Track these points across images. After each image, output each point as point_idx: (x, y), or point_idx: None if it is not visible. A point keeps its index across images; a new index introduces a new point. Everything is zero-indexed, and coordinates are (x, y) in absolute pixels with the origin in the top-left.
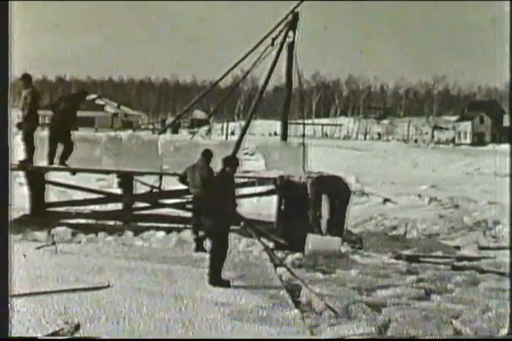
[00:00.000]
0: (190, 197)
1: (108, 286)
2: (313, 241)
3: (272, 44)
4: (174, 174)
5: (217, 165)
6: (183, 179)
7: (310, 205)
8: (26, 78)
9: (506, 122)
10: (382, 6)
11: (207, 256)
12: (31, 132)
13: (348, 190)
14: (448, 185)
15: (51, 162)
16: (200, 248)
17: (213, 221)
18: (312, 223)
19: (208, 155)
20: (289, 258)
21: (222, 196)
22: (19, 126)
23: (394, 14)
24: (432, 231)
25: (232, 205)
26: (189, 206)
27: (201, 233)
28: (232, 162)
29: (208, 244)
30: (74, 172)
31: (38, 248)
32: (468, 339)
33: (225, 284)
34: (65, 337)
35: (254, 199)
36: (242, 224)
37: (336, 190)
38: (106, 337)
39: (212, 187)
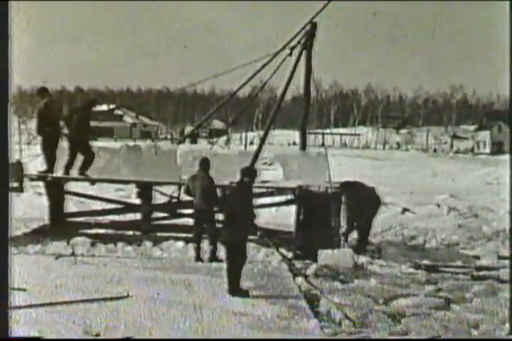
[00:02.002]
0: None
1: (127, 296)
2: (325, 256)
3: (290, 54)
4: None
5: (236, 175)
6: (188, 191)
7: (330, 215)
8: (42, 91)
9: None
10: (400, 16)
11: (224, 265)
12: (52, 142)
13: (377, 200)
14: (467, 195)
15: (67, 173)
16: (199, 258)
17: (231, 231)
18: (331, 233)
19: (206, 164)
20: (309, 268)
21: (240, 207)
22: (40, 135)
23: (412, 23)
24: (451, 240)
25: (250, 216)
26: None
27: (204, 243)
28: (250, 173)
29: (224, 253)
30: (93, 182)
31: (57, 258)
32: (468, 339)
33: (244, 294)
34: (67, 338)
35: (273, 209)
36: (259, 234)
37: (362, 199)
38: None
39: (228, 198)
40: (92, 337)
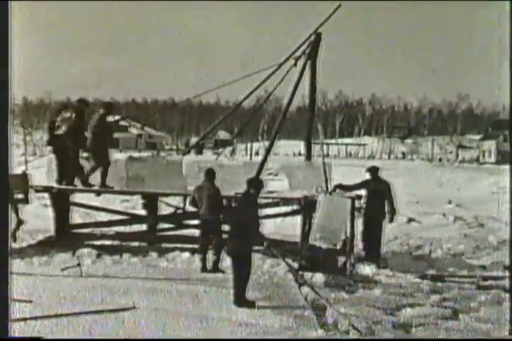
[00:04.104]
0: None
1: (133, 308)
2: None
3: (295, 64)
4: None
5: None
6: (194, 202)
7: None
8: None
9: None
10: (405, 25)
11: (230, 276)
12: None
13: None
14: (473, 204)
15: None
16: (205, 269)
17: (237, 242)
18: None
19: (211, 174)
20: (314, 279)
21: (245, 217)
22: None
23: (416, 33)
24: (457, 250)
25: (256, 227)
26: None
27: (210, 254)
28: (256, 184)
29: (231, 264)
30: (98, 193)
31: (63, 269)
32: (468, 339)
33: (250, 305)
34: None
35: (279, 219)
36: (265, 244)
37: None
38: None
39: (234, 209)
40: (92, 338)
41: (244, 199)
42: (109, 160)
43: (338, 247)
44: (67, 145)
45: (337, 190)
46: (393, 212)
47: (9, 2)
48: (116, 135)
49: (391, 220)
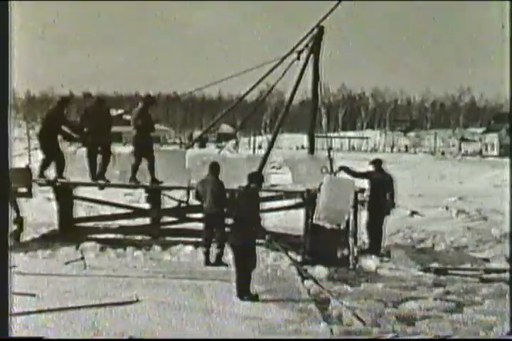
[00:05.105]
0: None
1: (137, 301)
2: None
3: (298, 58)
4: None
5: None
6: (198, 195)
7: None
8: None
9: None
10: (406, 19)
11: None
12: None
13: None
14: (475, 197)
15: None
16: (208, 262)
17: (239, 235)
18: (341, 236)
19: (215, 168)
20: (317, 272)
21: (246, 211)
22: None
23: (418, 26)
24: (460, 243)
25: (257, 220)
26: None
27: (213, 247)
28: (257, 178)
29: (233, 257)
30: (102, 187)
31: (67, 263)
32: (468, 339)
33: (254, 298)
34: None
35: (282, 212)
36: (267, 237)
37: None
38: None
39: (236, 203)
40: (93, 337)
41: (245, 193)
42: (153, 153)
43: (342, 227)
44: (93, 143)
45: (341, 172)
46: (392, 205)
47: (9, 2)
48: (119, 129)
49: (387, 213)
